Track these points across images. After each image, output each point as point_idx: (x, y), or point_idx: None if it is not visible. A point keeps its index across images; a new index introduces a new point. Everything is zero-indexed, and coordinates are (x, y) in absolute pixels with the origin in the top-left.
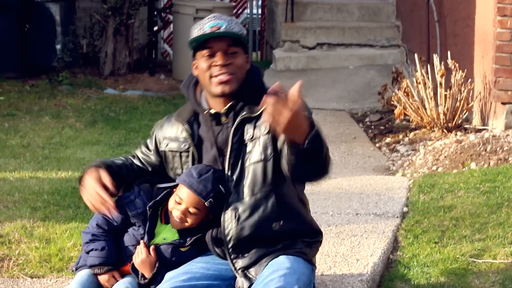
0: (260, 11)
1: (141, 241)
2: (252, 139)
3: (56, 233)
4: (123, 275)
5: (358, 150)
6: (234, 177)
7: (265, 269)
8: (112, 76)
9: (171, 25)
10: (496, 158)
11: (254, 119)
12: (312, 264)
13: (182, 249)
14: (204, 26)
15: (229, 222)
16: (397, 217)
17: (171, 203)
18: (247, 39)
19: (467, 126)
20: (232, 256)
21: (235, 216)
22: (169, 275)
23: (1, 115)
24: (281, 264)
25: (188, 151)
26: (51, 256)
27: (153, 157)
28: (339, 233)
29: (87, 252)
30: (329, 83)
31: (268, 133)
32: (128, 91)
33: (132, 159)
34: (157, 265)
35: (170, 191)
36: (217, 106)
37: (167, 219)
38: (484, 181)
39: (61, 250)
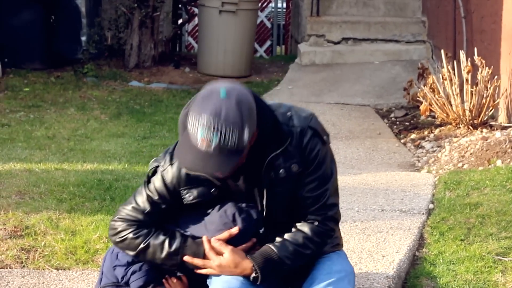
0: (285, 4)
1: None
2: (284, 176)
3: (81, 225)
4: None
5: (383, 146)
6: (268, 214)
7: (314, 274)
8: (137, 69)
9: (196, 18)
10: None
11: (280, 155)
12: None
13: None
14: (195, 134)
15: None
16: (423, 213)
17: None
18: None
19: (493, 123)
20: None
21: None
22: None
23: (26, 106)
24: (330, 267)
25: (216, 197)
26: (76, 248)
27: (165, 205)
28: (365, 229)
29: (129, 281)
30: (354, 78)
31: (300, 172)
32: (153, 83)
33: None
34: None
35: None
36: None
37: None
38: (510, 179)
39: (87, 242)
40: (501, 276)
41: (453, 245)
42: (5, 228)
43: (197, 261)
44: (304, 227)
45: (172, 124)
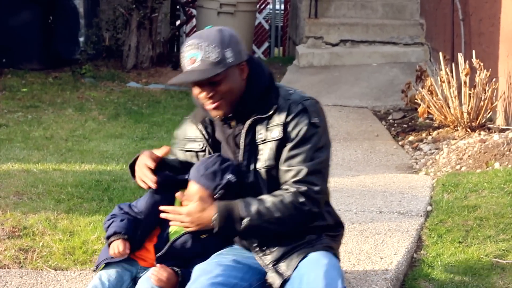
0: (283, 6)
1: (158, 265)
2: (264, 141)
3: (80, 226)
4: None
5: (381, 148)
6: (250, 179)
7: (300, 266)
8: (135, 70)
9: (194, 19)
10: None
11: (265, 120)
12: (337, 258)
13: (202, 236)
14: (184, 58)
15: None
16: (421, 216)
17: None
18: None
19: (491, 125)
20: (259, 253)
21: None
22: (201, 268)
23: (24, 107)
24: (318, 260)
25: (204, 151)
26: (74, 248)
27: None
28: (363, 231)
29: (107, 227)
30: (352, 80)
31: (281, 138)
32: (151, 84)
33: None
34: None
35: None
36: None
37: None
38: (508, 181)
39: (85, 243)
40: (499, 278)
41: (451, 247)
42: (3, 229)
43: (169, 209)
44: (276, 192)
45: (170, 125)
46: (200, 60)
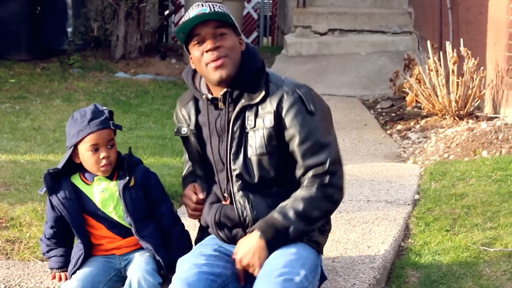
0: None
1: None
2: (254, 128)
3: None
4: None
5: (369, 136)
6: (237, 166)
7: (271, 255)
8: (123, 60)
9: (182, 9)
10: (508, 146)
11: (254, 106)
12: (319, 251)
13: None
14: (189, 16)
15: (243, 208)
16: (409, 204)
17: (90, 159)
18: (233, 19)
19: (478, 114)
20: None
21: (248, 202)
22: (185, 259)
23: (12, 98)
24: (286, 249)
25: (187, 137)
26: None
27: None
28: (350, 219)
29: (49, 258)
30: (341, 69)
31: (273, 126)
32: (139, 75)
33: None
34: None
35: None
36: (216, 92)
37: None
38: (496, 169)
39: None
40: (486, 266)
41: (438, 235)
42: None
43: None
44: (299, 191)
45: (158, 115)
46: (207, 12)
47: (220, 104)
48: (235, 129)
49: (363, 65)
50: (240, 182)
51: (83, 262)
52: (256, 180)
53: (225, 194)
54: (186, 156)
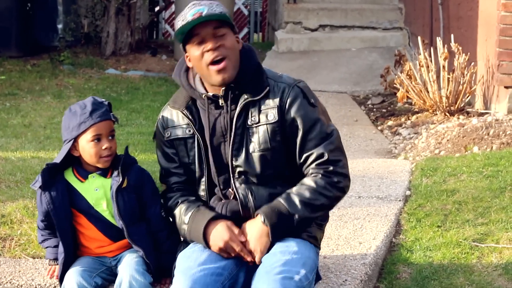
0: None
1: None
2: (257, 124)
3: None
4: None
5: (360, 132)
6: (240, 162)
7: (271, 250)
8: (113, 56)
9: (173, 6)
10: (499, 142)
11: (257, 102)
12: (318, 247)
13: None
14: (186, 16)
15: (247, 199)
16: (400, 200)
17: (91, 150)
18: (232, 18)
19: (469, 109)
20: None
21: (251, 193)
22: (186, 255)
23: (2, 95)
24: (289, 247)
25: (193, 137)
26: None
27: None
28: (342, 216)
29: (45, 248)
30: (331, 65)
31: (277, 121)
32: (130, 71)
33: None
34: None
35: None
36: (215, 89)
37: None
38: (487, 165)
39: None
40: (478, 262)
41: (429, 231)
42: None
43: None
44: (305, 180)
45: (149, 112)
46: (206, 12)
47: (221, 102)
48: (238, 125)
49: (354, 61)
50: (242, 177)
51: (66, 265)
52: (258, 175)
53: (227, 192)
54: (172, 179)
